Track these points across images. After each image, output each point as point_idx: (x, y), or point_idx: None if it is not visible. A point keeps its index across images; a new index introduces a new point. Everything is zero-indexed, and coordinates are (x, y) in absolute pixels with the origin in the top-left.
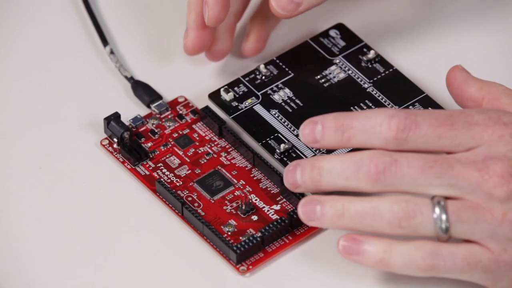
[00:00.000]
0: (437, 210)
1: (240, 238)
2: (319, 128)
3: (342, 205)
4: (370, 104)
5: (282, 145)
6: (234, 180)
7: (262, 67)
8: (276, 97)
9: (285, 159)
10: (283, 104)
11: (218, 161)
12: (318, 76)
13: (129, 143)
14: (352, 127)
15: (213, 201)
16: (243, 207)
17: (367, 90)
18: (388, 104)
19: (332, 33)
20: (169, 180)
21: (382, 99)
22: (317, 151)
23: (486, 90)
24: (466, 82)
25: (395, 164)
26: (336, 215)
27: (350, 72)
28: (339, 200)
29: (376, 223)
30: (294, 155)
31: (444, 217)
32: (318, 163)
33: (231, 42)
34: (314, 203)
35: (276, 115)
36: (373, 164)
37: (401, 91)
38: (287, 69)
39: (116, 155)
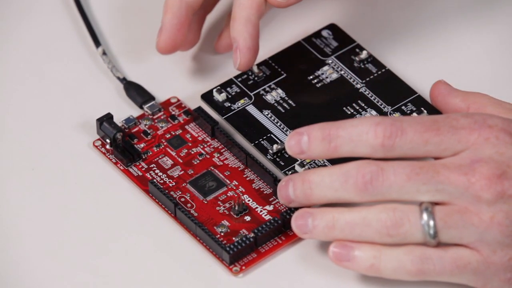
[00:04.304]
0: (424, 216)
1: (233, 238)
2: (305, 139)
3: (332, 217)
4: (363, 104)
5: (275, 146)
6: (227, 180)
7: (254, 67)
8: (269, 97)
9: (278, 159)
10: (275, 104)
11: (211, 162)
12: (311, 77)
13: (121, 144)
14: (338, 136)
15: (206, 202)
16: (236, 208)
17: (360, 91)
18: (381, 104)
19: (325, 33)
20: (161, 181)
21: (374, 99)
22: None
23: (471, 100)
24: (450, 94)
25: (382, 173)
26: (327, 226)
27: (342, 72)
28: (329, 212)
29: (365, 233)
30: (287, 156)
31: (431, 223)
32: (308, 177)
33: (199, 32)
34: (306, 216)
35: (269, 115)
36: (360, 174)
37: (394, 91)
38: (279, 69)
39: (108, 156)
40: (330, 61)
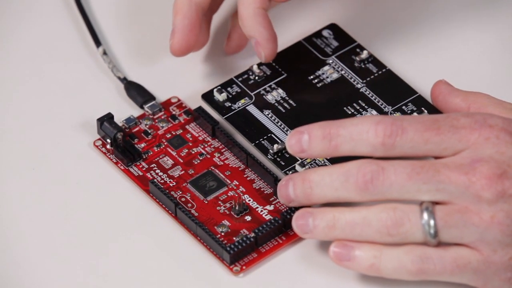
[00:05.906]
0: (425, 216)
1: (234, 238)
2: (305, 138)
3: (333, 216)
4: (363, 104)
5: (275, 146)
6: (228, 180)
7: (255, 67)
8: (269, 97)
9: (278, 159)
10: (276, 104)
11: (212, 162)
12: (311, 77)
13: (122, 144)
14: (339, 135)
15: (206, 202)
16: (237, 208)
17: (360, 90)
18: (381, 104)
19: (325, 33)
20: (162, 181)
21: (375, 99)
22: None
23: (472, 100)
24: (451, 93)
25: (382, 172)
26: (327, 226)
27: (343, 72)
28: (330, 211)
29: (365, 233)
30: (287, 155)
31: (432, 223)
32: (308, 176)
33: (209, 32)
34: (306, 216)
35: (269, 115)
36: (360, 173)
37: (394, 91)
38: (280, 69)
39: (109, 156)
40: (330, 61)
